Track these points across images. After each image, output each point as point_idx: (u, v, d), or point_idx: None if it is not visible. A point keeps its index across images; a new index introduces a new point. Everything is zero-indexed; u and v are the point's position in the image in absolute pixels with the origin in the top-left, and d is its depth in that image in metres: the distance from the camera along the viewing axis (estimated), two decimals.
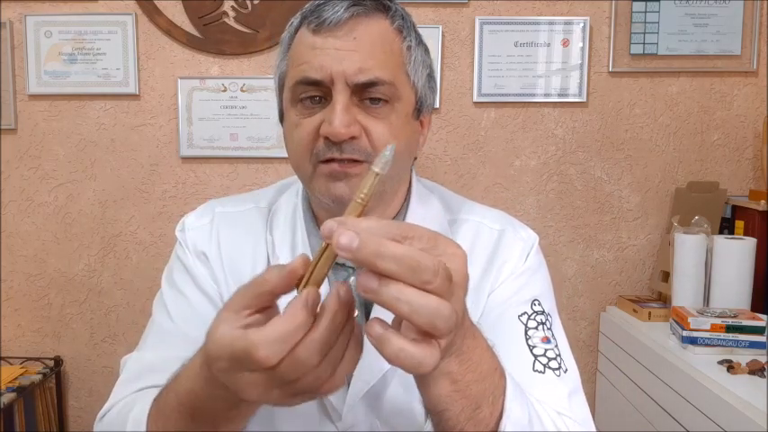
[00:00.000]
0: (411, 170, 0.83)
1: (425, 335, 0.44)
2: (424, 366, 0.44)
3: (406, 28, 0.75)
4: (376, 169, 0.47)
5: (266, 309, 0.48)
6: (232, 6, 1.83)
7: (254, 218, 0.84)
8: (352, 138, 0.70)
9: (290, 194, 0.85)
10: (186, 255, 0.82)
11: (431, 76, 0.79)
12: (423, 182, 0.88)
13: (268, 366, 0.45)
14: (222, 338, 0.47)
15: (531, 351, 0.72)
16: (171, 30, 1.84)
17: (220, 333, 0.47)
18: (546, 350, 0.73)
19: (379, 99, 0.71)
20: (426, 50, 0.78)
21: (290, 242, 0.80)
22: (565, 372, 0.73)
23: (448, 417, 0.52)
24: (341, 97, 0.69)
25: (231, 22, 1.83)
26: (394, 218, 0.80)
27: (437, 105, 1.84)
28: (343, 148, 0.70)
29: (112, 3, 1.85)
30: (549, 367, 0.72)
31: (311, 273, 0.47)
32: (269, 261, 0.80)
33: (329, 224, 0.42)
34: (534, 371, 0.71)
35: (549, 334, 0.75)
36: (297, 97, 0.72)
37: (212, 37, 1.84)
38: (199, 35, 1.84)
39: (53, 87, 1.86)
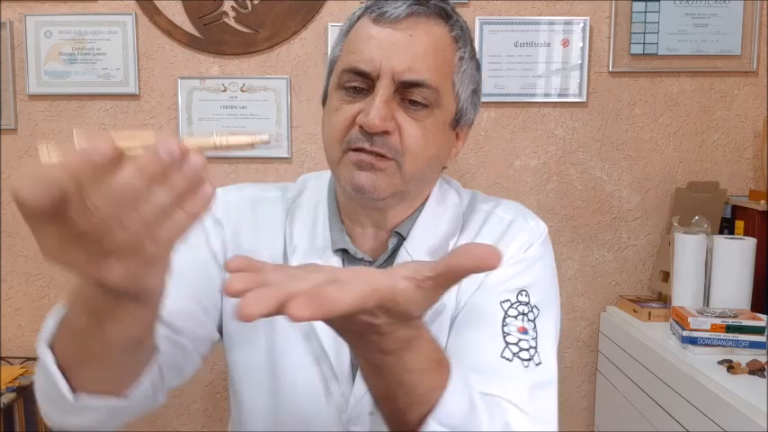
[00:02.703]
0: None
1: None
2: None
3: (463, 39, 0.78)
4: None
5: None
6: (232, 6, 1.83)
7: (278, 206, 0.85)
8: (385, 132, 0.71)
9: (315, 188, 0.86)
10: (207, 217, 0.83)
11: (476, 92, 0.81)
12: (446, 179, 0.88)
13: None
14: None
15: (503, 338, 0.72)
16: (171, 30, 1.84)
17: None
18: (520, 340, 0.72)
19: (419, 103, 0.73)
20: (478, 67, 0.82)
21: (308, 233, 0.81)
22: (537, 365, 0.72)
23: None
24: (383, 91, 0.71)
25: (231, 22, 1.83)
26: (412, 213, 0.82)
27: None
28: (374, 141, 0.71)
29: (112, 3, 1.84)
30: (519, 357, 0.71)
31: None
32: (285, 250, 0.81)
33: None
34: (502, 357, 0.71)
35: (529, 326, 0.74)
36: (342, 83, 0.74)
37: (212, 37, 1.84)
38: (199, 35, 1.84)
39: (53, 87, 1.86)
